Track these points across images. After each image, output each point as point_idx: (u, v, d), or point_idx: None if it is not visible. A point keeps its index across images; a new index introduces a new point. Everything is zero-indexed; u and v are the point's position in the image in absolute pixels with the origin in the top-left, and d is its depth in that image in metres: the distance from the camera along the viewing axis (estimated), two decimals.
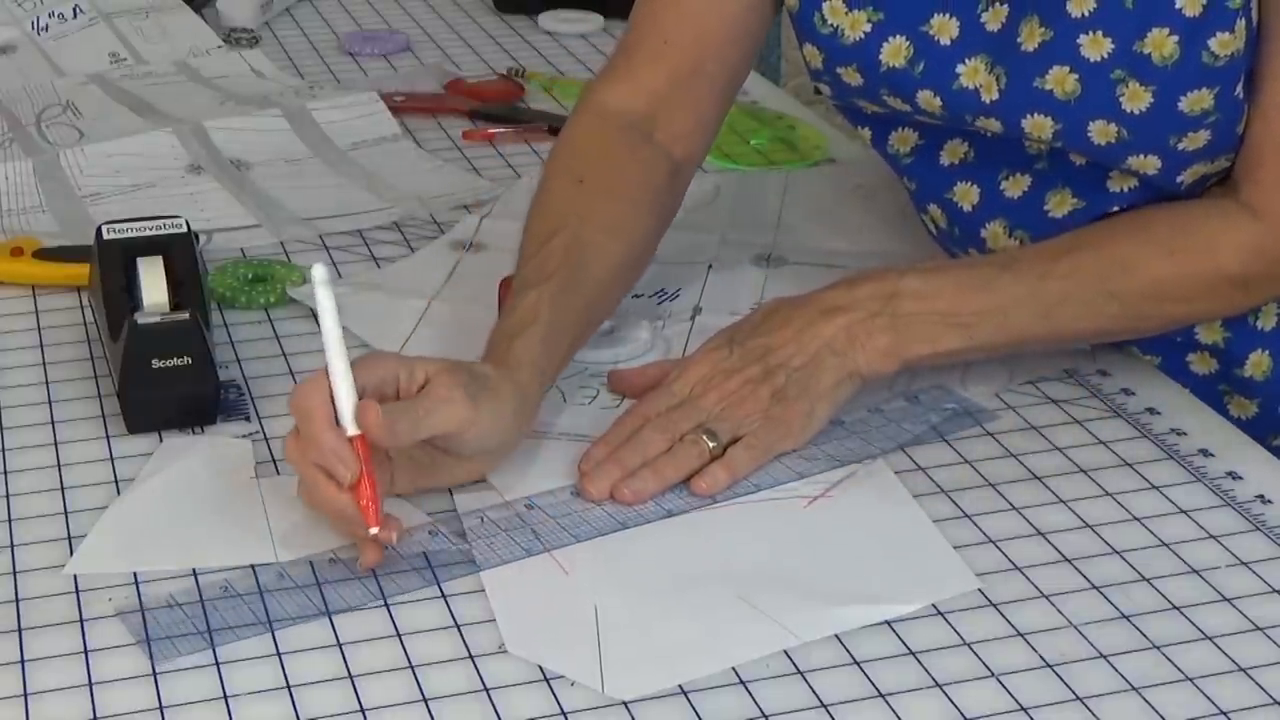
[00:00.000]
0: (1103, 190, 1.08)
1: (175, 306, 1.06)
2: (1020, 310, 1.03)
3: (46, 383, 1.09)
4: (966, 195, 1.13)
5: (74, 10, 1.71)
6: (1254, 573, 0.90)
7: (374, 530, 0.87)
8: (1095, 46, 1.01)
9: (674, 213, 1.15)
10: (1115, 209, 1.07)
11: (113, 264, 1.08)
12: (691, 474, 0.97)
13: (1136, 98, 1.01)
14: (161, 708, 0.80)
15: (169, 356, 1.02)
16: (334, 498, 0.88)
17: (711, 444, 0.97)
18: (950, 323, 1.02)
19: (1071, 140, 1.04)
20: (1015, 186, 1.11)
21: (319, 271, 0.89)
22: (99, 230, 1.11)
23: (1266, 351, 1.12)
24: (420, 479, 0.95)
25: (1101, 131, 1.02)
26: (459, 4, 1.87)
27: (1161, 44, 1.00)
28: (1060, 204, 1.09)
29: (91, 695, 0.81)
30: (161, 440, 1.02)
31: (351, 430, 0.88)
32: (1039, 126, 1.04)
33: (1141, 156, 1.03)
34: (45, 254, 1.22)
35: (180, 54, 1.67)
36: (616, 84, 1.15)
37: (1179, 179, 1.04)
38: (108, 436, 1.02)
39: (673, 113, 1.14)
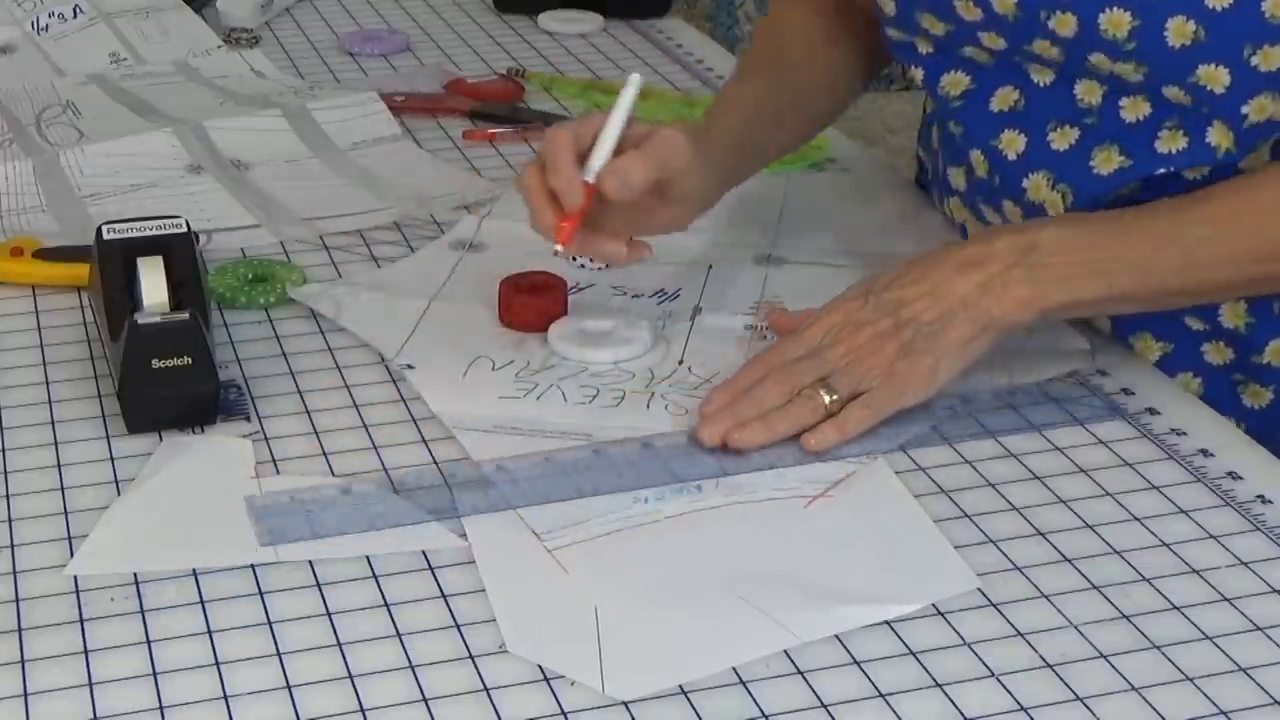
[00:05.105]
0: (1151, 150, 1.06)
1: (175, 306, 1.06)
2: (1160, 256, 1.02)
3: (46, 383, 1.09)
4: (1012, 143, 1.12)
5: (74, 10, 1.71)
6: (1254, 573, 0.90)
7: (558, 249, 1.04)
8: None
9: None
10: (1162, 171, 1.06)
11: (113, 264, 1.08)
12: (804, 429, 0.99)
13: None
14: (162, 708, 0.80)
15: (169, 356, 1.02)
16: (549, 221, 1.04)
17: (829, 399, 1.00)
18: (1090, 270, 1.02)
19: (1147, 40, 1.02)
20: (1062, 139, 1.10)
21: (636, 78, 1.07)
22: (99, 230, 1.11)
23: None
24: (632, 223, 1.08)
25: (1179, 31, 1.01)
26: (459, 4, 1.87)
27: None
28: (1106, 161, 1.08)
29: (91, 695, 0.81)
30: (161, 440, 1.02)
31: (590, 179, 1.03)
32: (1116, 23, 1.03)
33: (1211, 66, 1.01)
34: (45, 254, 1.22)
35: (180, 54, 1.67)
36: None
37: (1243, 110, 1.02)
38: (108, 436, 1.02)
39: None
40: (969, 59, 1.13)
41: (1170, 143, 1.06)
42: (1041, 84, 1.10)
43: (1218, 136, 1.04)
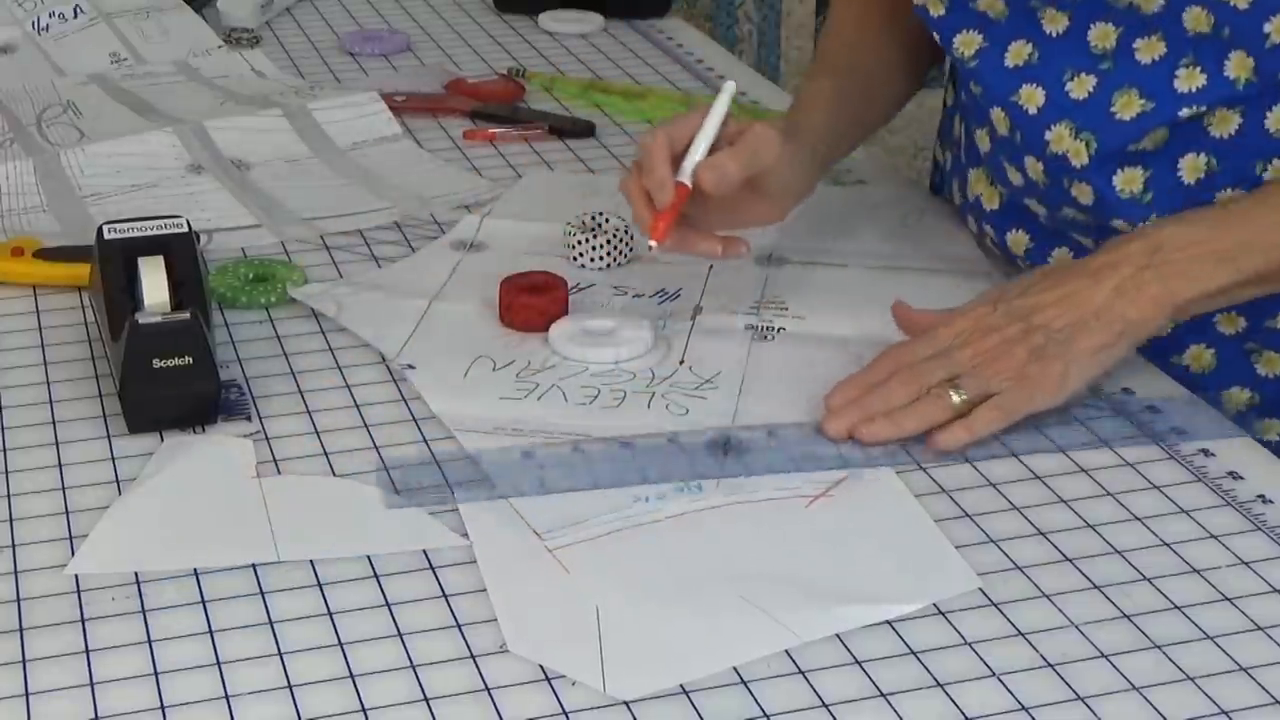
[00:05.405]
0: (1171, 89, 1.07)
1: (176, 306, 1.06)
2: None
3: (47, 383, 1.09)
4: (1031, 97, 1.13)
5: (74, 10, 1.71)
6: (1255, 572, 0.90)
7: (653, 244, 1.08)
8: None
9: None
10: (1184, 111, 1.07)
11: (114, 264, 1.08)
12: (932, 427, 1.00)
13: None
14: (162, 707, 0.80)
15: (170, 356, 1.02)
16: (646, 218, 1.09)
17: (958, 399, 1.00)
18: (1215, 258, 1.02)
19: None
20: (1080, 87, 1.10)
21: (730, 85, 1.12)
22: (100, 230, 1.11)
23: None
24: (729, 219, 1.13)
25: None
26: (459, 4, 1.87)
27: None
28: (1128, 105, 1.08)
29: (92, 695, 0.81)
30: (162, 440, 1.02)
31: (685, 180, 1.08)
32: None
33: None
34: (46, 254, 1.22)
35: (180, 54, 1.67)
36: None
37: (1265, 28, 1.02)
38: (108, 436, 1.02)
39: None
40: (982, 14, 1.14)
41: (1189, 80, 1.07)
42: (1054, 34, 1.10)
43: (1236, 68, 1.04)
